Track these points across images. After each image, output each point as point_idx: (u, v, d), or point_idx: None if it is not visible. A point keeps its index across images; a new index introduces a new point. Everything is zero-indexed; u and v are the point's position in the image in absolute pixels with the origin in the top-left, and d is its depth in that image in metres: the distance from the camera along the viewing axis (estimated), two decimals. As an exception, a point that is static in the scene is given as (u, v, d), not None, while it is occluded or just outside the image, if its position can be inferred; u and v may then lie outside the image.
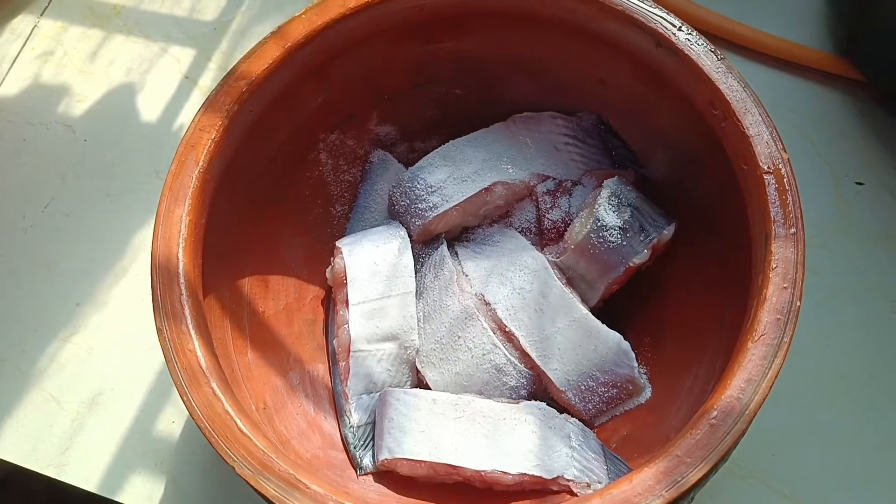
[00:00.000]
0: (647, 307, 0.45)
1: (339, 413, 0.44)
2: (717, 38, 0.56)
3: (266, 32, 0.60)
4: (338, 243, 0.46)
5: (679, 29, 0.39)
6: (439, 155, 0.47)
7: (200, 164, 0.38)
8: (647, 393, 0.42)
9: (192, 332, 0.35)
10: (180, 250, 0.36)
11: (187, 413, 0.50)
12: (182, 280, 0.36)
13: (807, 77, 0.56)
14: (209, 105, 0.39)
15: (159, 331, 0.35)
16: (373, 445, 0.42)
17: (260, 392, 0.41)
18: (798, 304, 0.33)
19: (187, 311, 0.35)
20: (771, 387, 0.32)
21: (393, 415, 0.41)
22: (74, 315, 0.54)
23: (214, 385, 0.34)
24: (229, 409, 0.33)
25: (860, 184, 0.53)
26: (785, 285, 0.33)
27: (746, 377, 0.32)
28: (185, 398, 0.33)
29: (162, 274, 0.35)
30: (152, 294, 0.35)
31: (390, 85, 0.48)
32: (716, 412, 0.32)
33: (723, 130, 0.38)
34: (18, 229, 0.56)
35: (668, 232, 0.43)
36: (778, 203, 0.35)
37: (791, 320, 0.33)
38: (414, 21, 0.44)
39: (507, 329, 0.43)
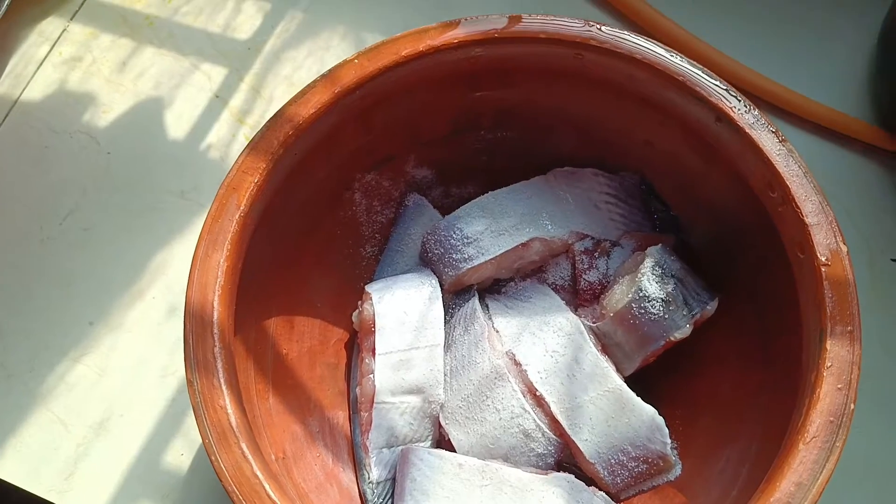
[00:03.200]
0: (680, 378, 0.44)
1: (358, 466, 0.43)
2: (759, 99, 0.55)
3: (300, 57, 0.61)
4: (367, 288, 0.45)
5: (742, 105, 0.38)
6: (478, 206, 0.46)
7: (242, 207, 0.36)
8: (678, 470, 0.41)
9: (224, 386, 0.34)
10: (216, 298, 0.35)
11: (197, 446, 0.49)
12: (216, 330, 0.34)
13: (848, 147, 0.55)
14: (254, 147, 0.38)
15: (189, 383, 0.34)
16: (392, 504, 0.41)
17: (280, 440, 0.40)
18: (852, 407, 0.32)
19: (219, 364, 0.34)
20: (821, 493, 0.31)
21: (416, 475, 0.40)
22: (87, 335, 0.52)
23: (244, 445, 0.33)
24: (258, 473, 0.32)
25: (896, 261, 0.52)
26: (839, 386, 0.32)
27: (797, 480, 0.31)
28: (212, 458, 0.32)
29: (196, 323, 0.34)
30: (184, 344, 0.34)
31: (431, 129, 0.47)
32: (763, 516, 0.31)
33: (779, 214, 0.37)
34: (35, 240, 0.55)
35: (712, 308, 0.42)
36: (835, 298, 0.34)
37: (844, 423, 0.32)
38: (464, 71, 0.43)
39: (537, 393, 0.42)
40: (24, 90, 0.60)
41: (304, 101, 0.39)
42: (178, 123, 0.59)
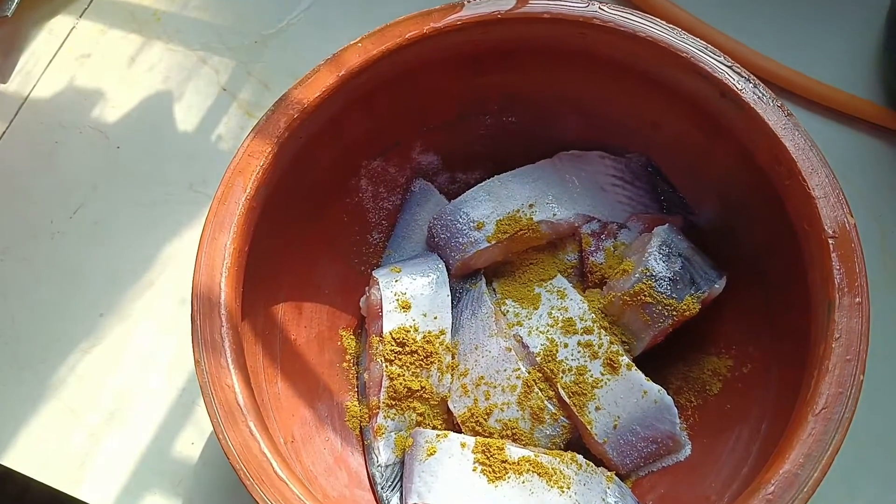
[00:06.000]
0: (689, 358, 0.44)
1: (366, 450, 0.43)
2: (767, 82, 0.55)
3: (309, 49, 0.61)
4: (374, 273, 0.45)
5: (746, 81, 0.38)
6: (483, 189, 0.46)
7: (248, 190, 0.37)
8: (688, 450, 0.41)
9: (231, 366, 0.34)
10: (223, 280, 0.35)
11: (208, 435, 0.49)
12: (223, 311, 0.34)
13: (857, 128, 0.55)
14: (259, 130, 0.38)
15: (197, 363, 0.34)
16: (401, 487, 0.41)
17: (288, 424, 0.40)
18: (861, 377, 0.32)
19: (227, 344, 0.34)
20: (831, 464, 0.31)
21: (423, 457, 0.40)
22: (97, 326, 0.53)
23: (251, 424, 0.33)
24: (266, 451, 0.32)
25: (906, 240, 0.51)
26: (848, 357, 0.32)
27: (806, 452, 0.31)
28: (220, 436, 0.32)
29: (203, 304, 0.34)
30: (192, 324, 0.34)
31: (437, 114, 0.47)
32: (773, 487, 0.30)
33: (785, 188, 0.37)
34: (45, 234, 0.56)
35: (719, 286, 0.41)
36: (843, 270, 0.33)
37: (853, 394, 0.32)
38: (467, 54, 0.43)
39: (545, 374, 0.42)
40: (34, 87, 0.61)
41: (310, 84, 0.39)
42: (186, 117, 0.59)
